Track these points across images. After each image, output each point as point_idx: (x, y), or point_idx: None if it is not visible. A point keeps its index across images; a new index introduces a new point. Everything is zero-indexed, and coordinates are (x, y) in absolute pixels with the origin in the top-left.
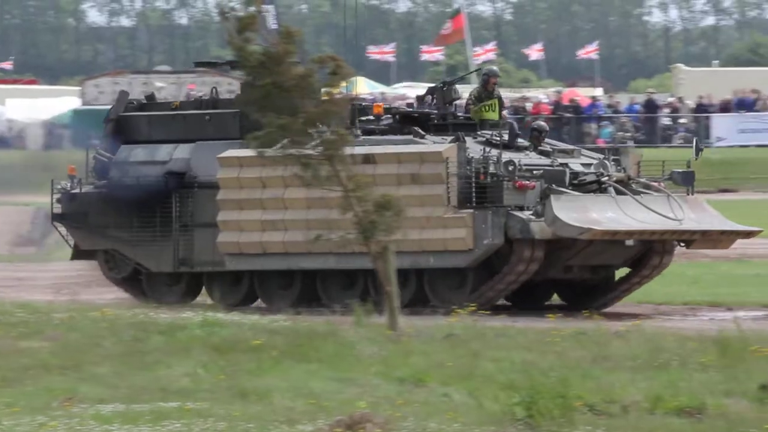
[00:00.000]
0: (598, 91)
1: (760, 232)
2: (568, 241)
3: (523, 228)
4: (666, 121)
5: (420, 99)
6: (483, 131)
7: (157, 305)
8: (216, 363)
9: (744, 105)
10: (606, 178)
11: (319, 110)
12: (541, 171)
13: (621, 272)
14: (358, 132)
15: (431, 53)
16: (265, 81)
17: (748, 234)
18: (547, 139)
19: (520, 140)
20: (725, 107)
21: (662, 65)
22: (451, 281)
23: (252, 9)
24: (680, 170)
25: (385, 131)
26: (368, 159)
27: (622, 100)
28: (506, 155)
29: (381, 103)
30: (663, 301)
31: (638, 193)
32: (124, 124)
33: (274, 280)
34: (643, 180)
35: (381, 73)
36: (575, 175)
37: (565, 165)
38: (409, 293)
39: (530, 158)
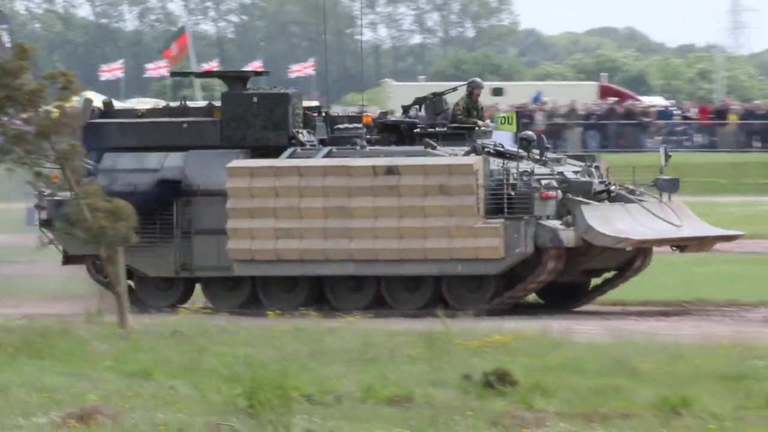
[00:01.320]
0: (315, 104)
1: (743, 235)
2: (586, 248)
3: (554, 237)
4: None
5: (406, 109)
6: (483, 141)
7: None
8: None
9: (448, 116)
10: (614, 187)
11: (51, 122)
12: (567, 182)
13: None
14: (364, 143)
15: (157, 69)
16: None
17: (730, 238)
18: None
19: (512, 149)
20: None
21: (373, 80)
22: (470, 285)
23: None
24: (666, 177)
25: (379, 141)
26: (391, 170)
27: (337, 111)
28: (514, 166)
29: (369, 114)
30: None
31: (632, 200)
32: (93, 132)
33: (277, 284)
34: (630, 187)
35: (111, 88)
36: None
37: (561, 173)
38: (425, 297)
39: (531, 167)
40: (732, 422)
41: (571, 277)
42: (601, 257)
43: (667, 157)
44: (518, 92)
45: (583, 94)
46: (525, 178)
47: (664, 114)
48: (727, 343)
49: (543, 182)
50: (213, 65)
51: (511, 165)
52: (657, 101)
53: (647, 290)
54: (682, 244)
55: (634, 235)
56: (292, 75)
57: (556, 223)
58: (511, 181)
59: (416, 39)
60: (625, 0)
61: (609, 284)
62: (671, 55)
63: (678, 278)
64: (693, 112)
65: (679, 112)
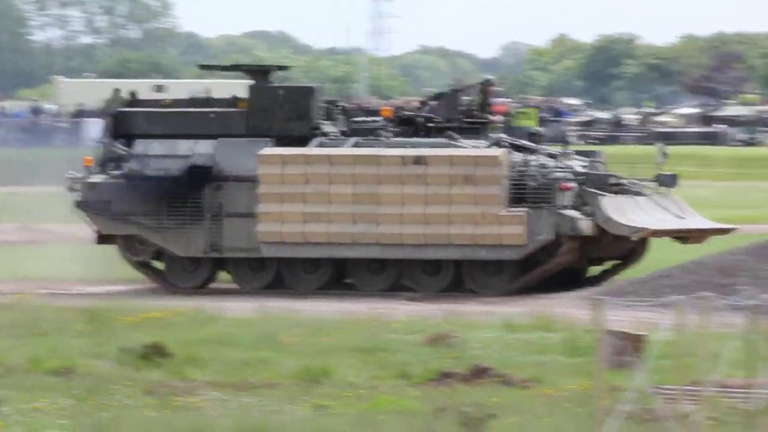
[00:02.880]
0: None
1: (735, 229)
2: (599, 236)
3: (573, 226)
4: (47, 123)
5: (423, 104)
6: (498, 135)
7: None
8: None
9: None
10: (625, 181)
11: None
12: (585, 174)
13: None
14: (390, 134)
15: None
16: None
17: (725, 231)
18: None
19: (525, 143)
20: (98, 113)
21: (46, 77)
22: (490, 269)
23: None
24: (666, 173)
25: (399, 133)
26: (419, 160)
27: (12, 106)
28: (533, 159)
29: (389, 108)
30: None
31: (641, 193)
32: (122, 120)
33: (302, 265)
34: (635, 181)
35: None
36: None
37: (570, 167)
38: (446, 281)
39: (552, 161)
40: (366, 390)
41: (580, 264)
42: (609, 246)
43: (664, 154)
44: (179, 89)
45: (240, 91)
46: (544, 170)
47: None
48: (364, 318)
49: (558, 175)
50: None
51: (530, 158)
52: None
53: None
54: (686, 236)
55: (648, 226)
56: None
57: (575, 213)
58: (530, 172)
59: (86, 39)
60: (278, 5)
61: (611, 271)
62: (320, 56)
63: None
64: None
65: None
